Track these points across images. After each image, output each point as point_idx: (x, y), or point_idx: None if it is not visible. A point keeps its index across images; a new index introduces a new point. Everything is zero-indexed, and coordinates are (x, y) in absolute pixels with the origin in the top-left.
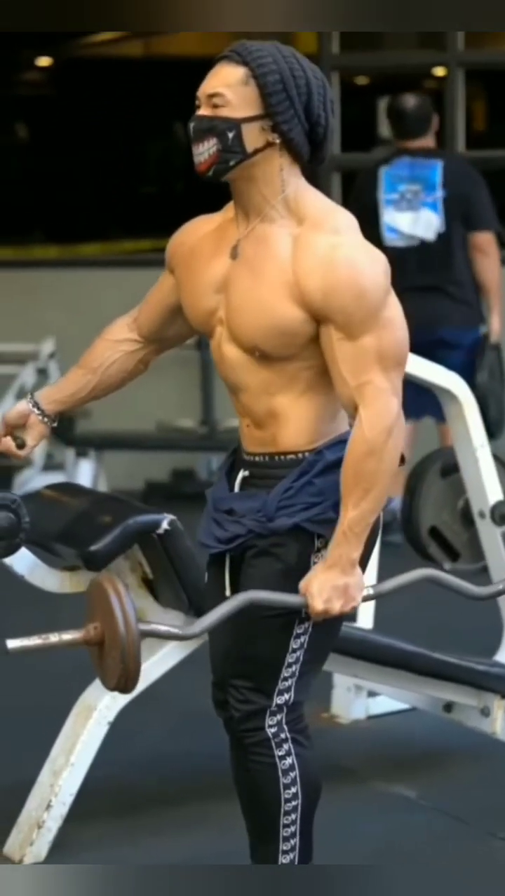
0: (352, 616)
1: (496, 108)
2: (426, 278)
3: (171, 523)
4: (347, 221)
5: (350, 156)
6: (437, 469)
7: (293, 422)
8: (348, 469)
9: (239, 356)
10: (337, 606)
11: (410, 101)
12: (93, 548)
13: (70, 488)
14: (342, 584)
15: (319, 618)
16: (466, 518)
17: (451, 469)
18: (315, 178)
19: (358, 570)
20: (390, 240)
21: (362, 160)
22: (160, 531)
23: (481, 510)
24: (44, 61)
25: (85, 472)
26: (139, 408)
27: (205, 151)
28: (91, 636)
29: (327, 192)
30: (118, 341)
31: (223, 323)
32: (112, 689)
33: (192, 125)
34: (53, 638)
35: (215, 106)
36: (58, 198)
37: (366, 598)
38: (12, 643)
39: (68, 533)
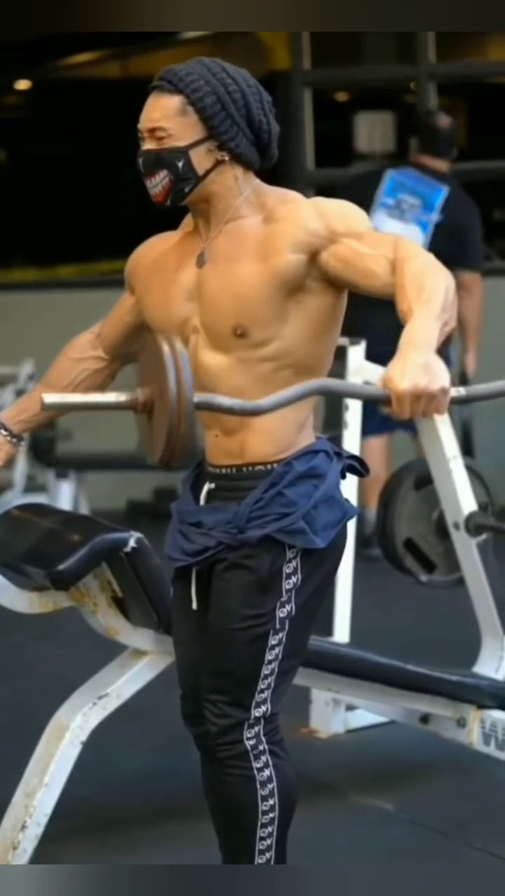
0: (328, 629)
1: (478, 121)
2: None
3: (138, 541)
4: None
5: (324, 171)
6: (411, 481)
7: (262, 432)
8: (407, 284)
9: (215, 362)
10: (423, 382)
11: (443, 120)
12: (60, 567)
13: (39, 508)
14: (422, 361)
15: (405, 406)
16: (441, 530)
17: (424, 481)
18: None
19: (438, 356)
20: None
21: (337, 175)
22: (128, 549)
23: (456, 521)
24: (22, 84)
25: (65, 494)
26: (119, 428)
27: (158, 184)
28: (139, 401)
29: None
30: (83, 359)
31: (198, 331)
32: (157, 461)
33: (140, 160)
34: (97, 397)
35: (159, 139)
36: (36, 220)
37: (456, 400)
38: (49, 398)
39: (36, 553)
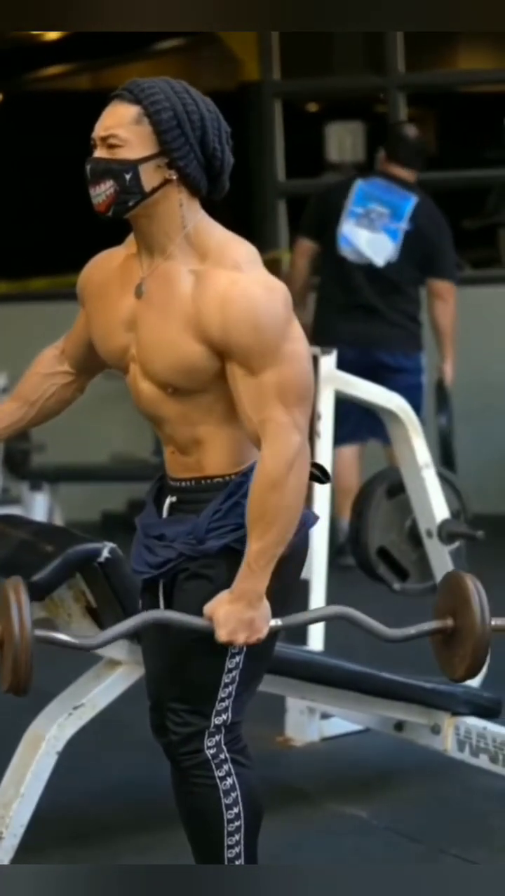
0: (302, 637)
1: (448, 131)
2: (370, 299)
3: (111, 552)
4: (247, 255)
5: (295, 182)
6: (383, 490)
7: (217, 449)
8: (252, 503)
9: (154, 392)
10: (242, 638)
11: (411, 130)
12: (34, 578)
13: (11, 520)
14: (248, 617)
15: (224, 642)
16: (414, 538)
17: (397, 489)
18: (261, 205)
19: (265, 602)
20: (343, 249)
21: (308, 186)
22: (101, 560)
23: (428, 529)
24: None
25: (40, 505)
26: (93, 440)
27: (102, 193)
28: None
29: (273, 218)
30: (51, 374)
31: (136, 360)
32: (5, 691)
33: (88, 167)
34: None
35: (111, 146)
36: (7, 233)
37: (274, 629)
38: None
39: (9, 564)
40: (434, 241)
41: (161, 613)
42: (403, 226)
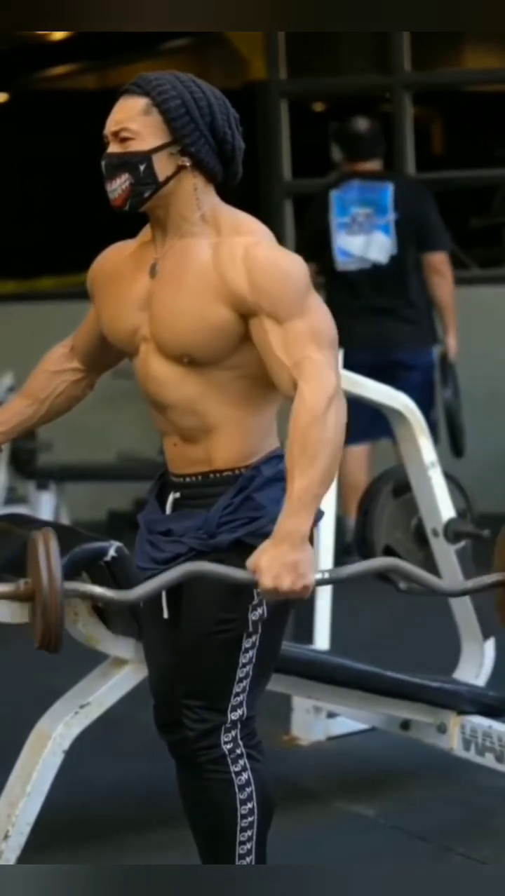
0: (308, 637)
1: (454, 130)
2: (380, 300)
3: (118, 550)
4: (262, 228)
5: (301, 181)
6: (389, 489)
7: (226, 438)
8: (293, 440)
9: (166, 371)
10: (287, 583)
11: (361, 123)
12: None
13: (17, 519)
14: (291, 559)
15: (270, 596)
16: (420, 537)
17: (403, 488)
18: (268, 204)
19: (309, 547)
20: (343, 263)
21: (314, 185)
22: (108, 559)
23: (434, 528)
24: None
25: (46, 505)
26: (99, 439)
27: (118, 188)
28: (20, 591)
29: (280, 218)
30: (60, 371)
31: (148, 340)
32: (38, 647)
33: (103, 163)
34: None
35: (123, 140)
36: (14, 232)
37: (320, 582)
38: None
39: (16, 563)
40: (422, 219)
41: (201, 566)
42: (391, 216)
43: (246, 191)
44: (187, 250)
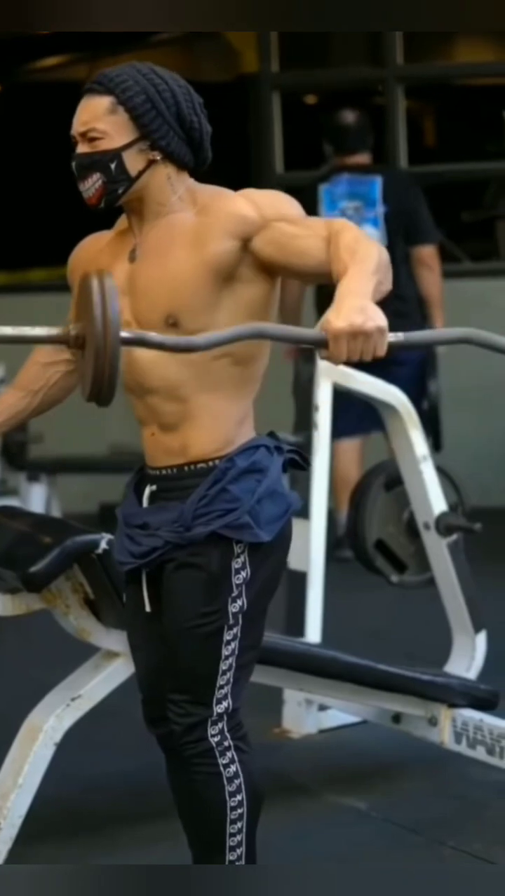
0: (300, 630)
1: (446, 123)
2: None
3: (109, 543)
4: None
5: (293, 174)
6: (381, 482)
7: (204, 425)
8: (341, 250)
9: (149, 355)
10: (359, 321)
11: (348, 115)
12: (31, 569)
13: (8, 511)
14: (359, 304)
15: (341, 344)
16: (412, 530)
17: (395, 482)
18: None
19: (372, 304)
20: None
21: (306, 178)
22: (99, 551)
23: (426, 522)
24: None
25: (38, 497)
26: (91, 431)
27: (91, 187)
28: (70, 335)
29: None
30: (53, 363)
31: (130, 324)
32: (88, 397)
33: (73, 164)
34: (30, 330)
35: (91, 140)
36: (5, 224)
37: (395, 343)
38: None
39: (7, 555)
40: (411, 212)
41: (264, 326)
42: (380, 209)
43: (238, 183)
44: (170, 225)
